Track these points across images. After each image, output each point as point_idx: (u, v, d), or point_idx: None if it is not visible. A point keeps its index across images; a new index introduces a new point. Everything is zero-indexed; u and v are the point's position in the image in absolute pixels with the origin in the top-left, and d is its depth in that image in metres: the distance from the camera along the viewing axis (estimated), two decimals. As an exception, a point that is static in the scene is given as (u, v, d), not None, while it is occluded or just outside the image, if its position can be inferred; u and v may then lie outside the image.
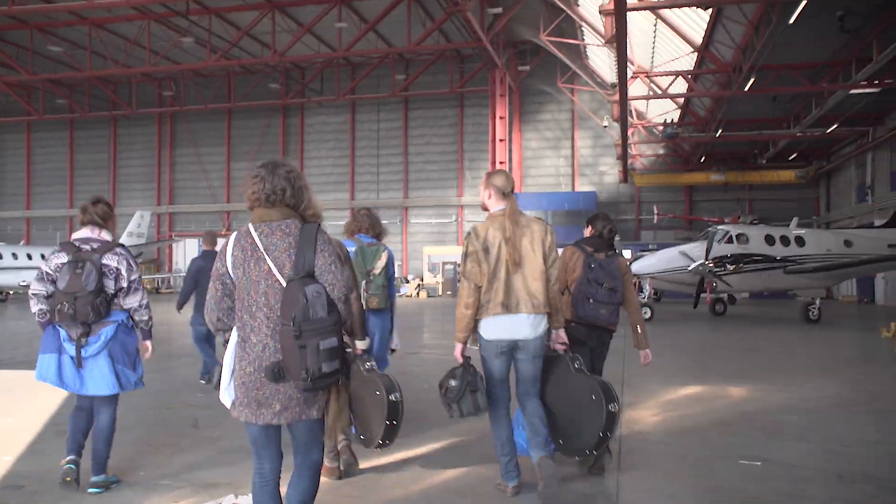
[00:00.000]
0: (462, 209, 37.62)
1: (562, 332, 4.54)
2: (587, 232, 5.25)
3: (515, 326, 4.26)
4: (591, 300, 4.82)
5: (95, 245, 4.36)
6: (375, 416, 4.25)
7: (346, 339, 3.85)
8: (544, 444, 4.37)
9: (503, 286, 4.24)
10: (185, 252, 41.66)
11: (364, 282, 5.24)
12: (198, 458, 5.20)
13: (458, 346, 4.35)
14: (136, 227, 34.33)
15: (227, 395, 3.09)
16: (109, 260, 4.33)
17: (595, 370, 5.04)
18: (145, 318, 4.52)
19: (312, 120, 40.12)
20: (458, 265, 4.70)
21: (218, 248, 8.25)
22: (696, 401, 7.68)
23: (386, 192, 38.92)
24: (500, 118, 31.02)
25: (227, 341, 3.10)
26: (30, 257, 28.91)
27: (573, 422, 4.51)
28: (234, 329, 3.09)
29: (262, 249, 3.01)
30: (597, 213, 5.37)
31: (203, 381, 8.48)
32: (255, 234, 3.05)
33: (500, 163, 30.76)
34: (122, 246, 4.51)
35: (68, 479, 4.30)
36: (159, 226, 41.55)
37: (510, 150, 34.61)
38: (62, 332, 4.31)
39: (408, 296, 34.37)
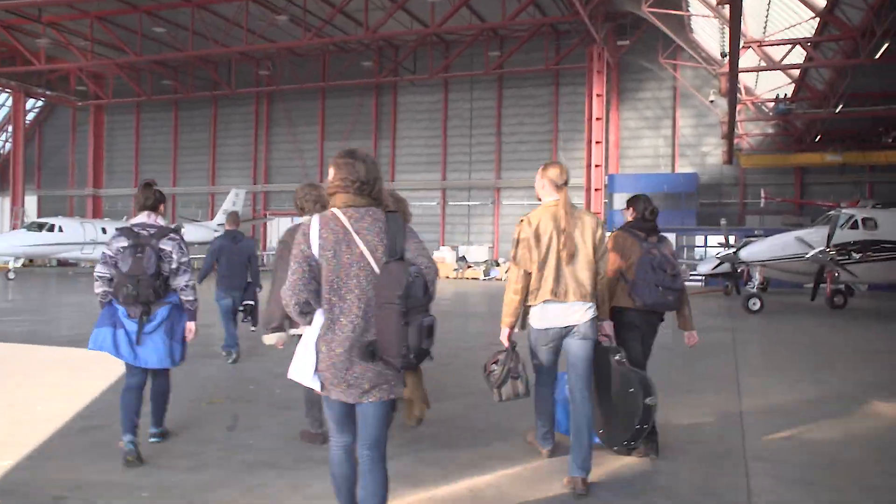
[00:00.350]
0: (555, 191, 36.34)
1: (606, 325, 4.66)
2: (628, 215, 5.20)
3: (566, 313, 4.36)
4: (659, 287, 4.77)
5: (152, 230, 4.64)
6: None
7: None
8: (584, 461, 4.24)
9: (553, 274, 4.34)
10: (279, 230, 42.42)
11: None
12: (218, 474, 4.55)
13: (505, 331, 4.50)
14: (230, 204, 35.10)
15: (315, 380, 3.10)
16: (165, 245, 4.63)
17: (646, 349, 5.10)
18: (191, 297, 4.77)
19: (405, 99, 39.77)
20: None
21: (239, 228, 8.62)
22: (835, 417, 6.33)
23: (478, 173, 38.15)
24: (598, 96, 29.57)
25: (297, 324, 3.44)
26: None
27: (612, 413, 4.67)
28: (319, 312, 3.11)
29: (353, 233, 3.06)
30: (636, 195, 5.23)
31: (224, 354, 8.48)
32: (343, 219, 3.09)
33: (597, 142, 29.37)
34: (177, 231, 4.80)
35: (130, 458, 4.54)
36: (255, 204, 42.45)
37: (607, 130, 33.03)
38: (120, 309, 4.60)
39: (498, 279, 33.54)
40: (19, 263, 24.77)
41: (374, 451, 3.12)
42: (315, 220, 3.12)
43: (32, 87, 42.55)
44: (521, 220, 4.49)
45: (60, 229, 25.19)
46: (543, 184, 4.53)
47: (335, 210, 3.12)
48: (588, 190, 29.66)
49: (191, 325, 4.80)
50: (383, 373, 3.04)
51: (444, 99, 38.64)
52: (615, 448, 4.79)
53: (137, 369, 4.72)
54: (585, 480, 4.19)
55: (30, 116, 48.86)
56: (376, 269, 3.03)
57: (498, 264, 35.03)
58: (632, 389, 4.45)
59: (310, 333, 3.12)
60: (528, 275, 4.39)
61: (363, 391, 3.03)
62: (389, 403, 3.15)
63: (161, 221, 4.79)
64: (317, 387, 3.09)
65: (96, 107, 45.98)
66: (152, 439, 5.00)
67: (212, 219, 40.93)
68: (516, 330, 4.54)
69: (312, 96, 40.99)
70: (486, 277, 33.87)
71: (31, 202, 48.54)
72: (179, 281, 4.67)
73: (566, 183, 4.50)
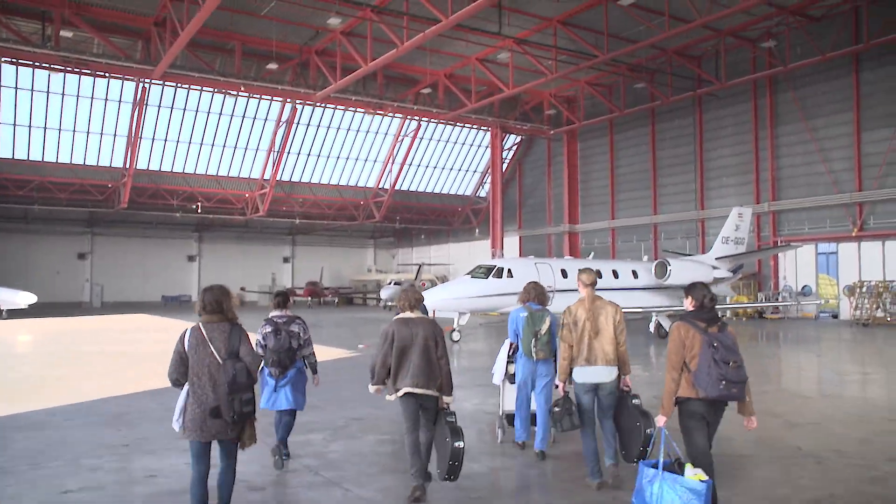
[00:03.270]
0: None
1: (628, 378, 6.50)
2: (688, 304, 5.40)
3: (596, 374, 6.29)
4: (723, 381, 4.92)
5: (284, 319, 6.97)
6: (443, 457, 5.82)
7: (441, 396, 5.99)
8: (614, 455, 6.39)
9: (586, 347, 6.31)
10: (796, 263, 31.13)
11: (533, 339, 7.18)
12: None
13: (560, 385, 6.49)
14: (732, 229, 25.28)
15: (177, 425, 5.05)
16: (293, 327, 6.95)
17: (711, 434, 5.28)
18: (313, 360, 7.16)
19: None
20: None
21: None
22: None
23: None
24: None
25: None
26: (614, 275, 22.83)
27: (626, 439, 6.38)
28: (187, 384, 5.03)
29: (207, 339, 5.02)
30: (693, 283, 5.47)
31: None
32: (203, 330, 5.05)
33: None
34: (299, 318, 7.08)
35: (276, 457, 6.84)
36: (759, 228, 32.16)
37: None
38: (266, 370, 6.83)
39: None
40: (464, 320, 19.87)
41: (226, 460, 5.16)
42: (189, 329, 5.08)
43: (508, 122, 40.35)
44: (565, 311, 6.49)
45: (510, 273, 19.62)
46: (579, 284, 6.62)
47: (200, 323, 5.11)
48: None
49: (317, 378, 7.19)
50: (223, 424, 4.96)
51: None
52: (632, 461, 6.25)
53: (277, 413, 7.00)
54: (616, 465, 6.35)
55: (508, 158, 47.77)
56: (220, 362, 4.99)
57: None
58: (638, 423, 6.19)
59: (181, 398, 5.05)
60: (570, 347, 6.37)
61: (212, 434, 4.97)
62: (234, 441, 5.11)
63: (290, 313, 7.08)
64: (179, 431, 5.05)
65: (569, 133, 41.89)
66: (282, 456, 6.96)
67: (703, 251, 32.07)
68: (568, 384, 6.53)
69: (838, 72, 29.18)
70: None
71: (512, 244, 46.95)
72: (307, 351, 7.04)
73: (592, 283, 6.52)
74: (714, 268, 23.32)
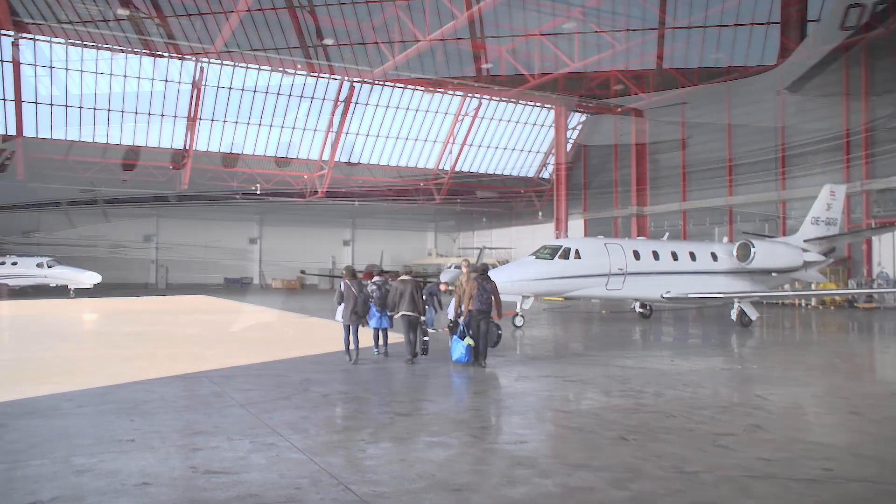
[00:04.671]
0: None
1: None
2: (475, 273, 11.94)
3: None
4: (482, 303, 11.37)
5: (383, 281, 12.88)
6: (418, 343, 12.18)
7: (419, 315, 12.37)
8: (484, 356, 11.79)
9: (467, 300, 11.58)
10: (894, 247, 28.55)
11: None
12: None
13: (454, 314, 12.21)
14: (823, 209, 22.90)
15: (339, 318, 12.26)
16: (387, 286, 12.64)
17: (485, 328, 11.61)
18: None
19: None
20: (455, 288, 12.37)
21: (377, 281, 13.29)
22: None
23: None
24: None
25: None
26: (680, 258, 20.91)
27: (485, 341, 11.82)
28: (343, 304, 12.14)
29: (350, 286, 12.14)
30: (480, 265, 12.52)
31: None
32: (349, 283, 12.21)
33: None
34: (389, 282, 12.93)
35: (377, 352, 12.93)
36: (849, 209, 29.61)
37: None
38: (373, 308, 12.48)
39: None
40: (528, 304, 18.47)
41: (356, 335, 12.04)
42: (342, 282, 12.30)
43: (572, 99, 38.54)
44: (456, 280, 12.63)
45: (578, 255, 18.12)
46: (462, 268, 12.54)
47: (346, 279, 12.35)
48: None
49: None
50: (358, 318, 12.07)
51: None
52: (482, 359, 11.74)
53: (376, 329, 12.87)
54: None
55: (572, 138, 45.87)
56: (356, 295, 12.04)
57: None
58: (499, 332, 12.87)
59: (339, 309, 12.26)
60: (459, 298, 11.83)
61: (352, 321, 12.02)
62: (358, 325, 12.20)
63: (384, 278, 13.33)
64: (340, 320, 12.26)
65: (636, 110, 39.80)
66: (376, 352, 12.90)
67: (783, 234, 29.80)
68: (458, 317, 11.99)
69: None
70: None
71: (577, 227, 45.20)
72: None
73: (468, 267, 12.34)
74: (804, 250, 21.27)
